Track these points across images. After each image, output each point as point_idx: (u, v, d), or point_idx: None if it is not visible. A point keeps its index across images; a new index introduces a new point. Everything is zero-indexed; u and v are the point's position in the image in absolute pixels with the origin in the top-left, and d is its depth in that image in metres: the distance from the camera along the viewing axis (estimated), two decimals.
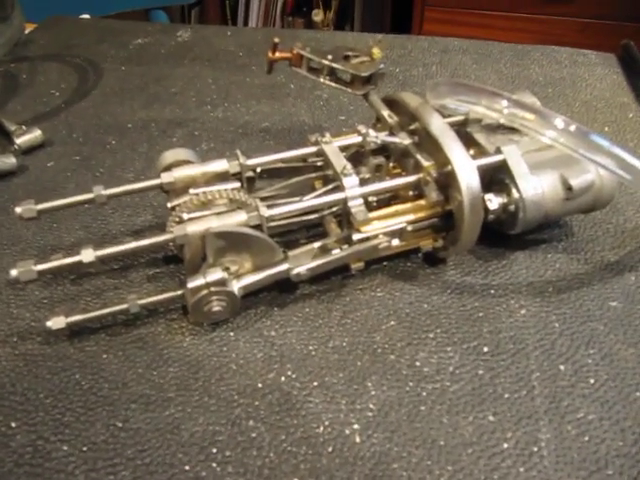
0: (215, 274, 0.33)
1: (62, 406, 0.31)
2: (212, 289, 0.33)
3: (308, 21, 1.84)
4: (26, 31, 0.71)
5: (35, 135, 0.51)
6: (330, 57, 0.42)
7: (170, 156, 0.38)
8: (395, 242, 0.37)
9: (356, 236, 0.36)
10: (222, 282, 0.33)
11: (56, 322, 0.33)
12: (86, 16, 0.81)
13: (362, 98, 0.44)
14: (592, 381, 0.32)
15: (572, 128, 0.34)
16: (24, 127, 0.52)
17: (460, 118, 0.40)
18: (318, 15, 1.83)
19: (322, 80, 0.44)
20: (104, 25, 0.75)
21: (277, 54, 0.44)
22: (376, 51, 0.41)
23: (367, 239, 0.36)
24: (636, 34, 0.95)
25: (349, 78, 0.43)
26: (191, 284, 0.33)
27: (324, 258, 0.36)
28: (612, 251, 0.40)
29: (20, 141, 0.50)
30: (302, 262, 0.35)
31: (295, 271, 0.35)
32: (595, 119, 0.55)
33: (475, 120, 0.39)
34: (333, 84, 0.44)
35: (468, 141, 0.38)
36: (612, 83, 0.61)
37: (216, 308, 0.34)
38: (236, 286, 0.34)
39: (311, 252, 0.36)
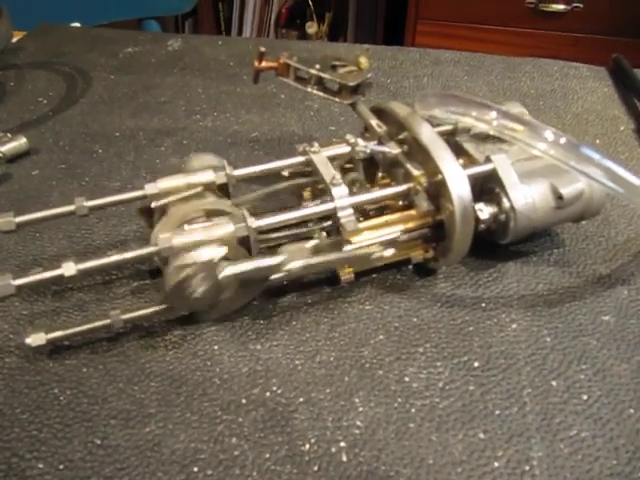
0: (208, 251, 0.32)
1: (39, 422, 0.30)
2: (199, 266, 0.31)
3: (302, 33, 1.85)
4: (16, 39, 0.71)
5: (20, 143, 0.51)
6: (317, 66, 0.42)
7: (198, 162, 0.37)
8: (388, 252, 0.36)
9: (347, 247, 0.35)
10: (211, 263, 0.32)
11: (36, 339, 0.32)
12: (77, 25, 0.80)
13: (352, 108, 0.43)
14: (585, 397, 0.32)
15: (562, 141, 0.34)
16: (9, 135, 0.51)
17: (449, 127, 0.39)
18: (312, 27, 1.84)
19: (309, 90, 0.43)
20: (94, 34, 0.75)
21: (263, 63, 0.43)
22: (363, 60, 0.41)
23: (361, 248, 0.35)
24: (627, 49, 0.96)
25: (336, 88, 0.43)
26: (179, 262, 0.32)
27: (317, 258, 0.34)
28: (604, 264, 0.40)
29: (5, 149, 0.50)
30: (295, 259, 0.34)
31: (288, 266, 0.33)
32: (586, 132, 0.55)
33: (464, 129, 0.39)
34: (320, 94, 0.43)
35: (457, 150, 0.38)
36: (603, 96, 0.61)
37: (200, 288, 0.32)
38: (225, 270, 0.32)
39: (304, 251, 0.35)
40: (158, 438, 0.30)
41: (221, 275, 0.32)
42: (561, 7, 1.40)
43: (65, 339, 0.33)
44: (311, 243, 0.35)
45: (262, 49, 0.43)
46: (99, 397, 0.31)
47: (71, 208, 0.35)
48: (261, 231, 0.34)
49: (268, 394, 0.32)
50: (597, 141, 0.54)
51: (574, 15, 1.40)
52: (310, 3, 1.82)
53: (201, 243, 0.32)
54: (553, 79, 0.65)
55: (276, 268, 0.33)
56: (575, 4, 1.39)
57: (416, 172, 0.36)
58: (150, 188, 0.35)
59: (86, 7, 1.04)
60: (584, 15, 1.40)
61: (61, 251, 0.41)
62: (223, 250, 0.32)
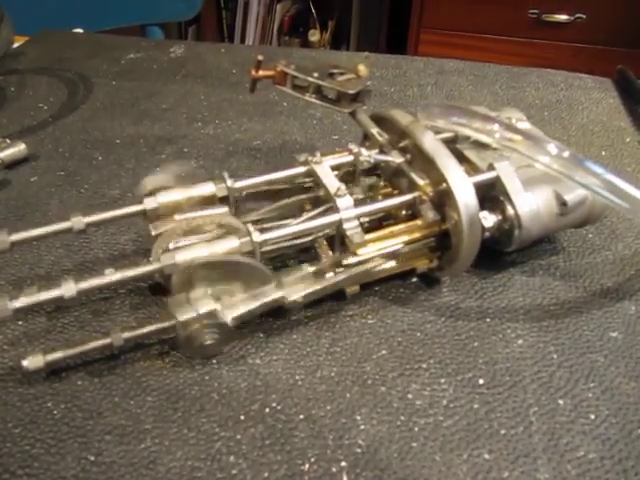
0: (207, 306, 0.31)
1: (31, 437, 0.29)
2: (204, 322, 0.31)
3: (305, 41, 1.85)
4: (17, 44, 0.70)
5: (19, 149, 0.50)
6: (315, 74, 0.41)
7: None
8: (391, 264, 0.36)
9: (353, 259, 0.34)
10: (213, 314, 0.31)
11: (33, 361, 0.31)
12: (79, 30, 0.80)
13: (352, 117, 0.43)
14: (592, 417, 0.31)
15: (565, 154, 0.33)
16: (8, 140, 0.50)
17: (450, 135, 0.39)
18: (314, 35, 1.84)
19: (307, 98, 0.43)
20: (97, 39, 0.75)
21: (261, 72, 0.43)
22: (362, 68, 0.40)
23: (365, 262, 0.35)
24: (629, 59, 0.96)
25: (335, 96, 0.42)
26: (181, 317, 0.31)
27: (320, 283, 0.34)
28: (611, 279, 0.39)
29: (3, 155, 0.49)
30: (297, 288, 0.34)
31: (291, 298, 0.33)
32: (592, 143, 0.54)
33: (465, 137, 0.38)
34: (319, 102, 0.42)
35: (459, 158, 0.37)
36: (608, 107, 0.61)
37: (208, 342, 0.32)
38: (229, 317, 0.32)
39: (305, 277, 0.34)
40: (154, 455, 0.29)
41: (228, 323, 0.32)
42: (564, 18, 1.40)
43: (64, 360, 0.32)
44: (311, 269, 0.35)
45: (259, 57, 0.42)
46: (94, 411, 0.31)
47: (68, 225, 0.34)
48: (266, 244, 0.34)
49: (267, 410, 0.31)
50: (603, 152, 0.53)
51: (577, 26, 1.40)
52: (313, 11, 1.83)
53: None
54: (558, 89, 0.64)
55: (279, 302, 0.33)
56: (578, 15, 1.39)
57: (421, 181, 0.35)
58: (149, 202, 0.34)
59: (89, 13, 1.04)
60: (587, 26, 1.40)
61: (58, 260, 0.40)
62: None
